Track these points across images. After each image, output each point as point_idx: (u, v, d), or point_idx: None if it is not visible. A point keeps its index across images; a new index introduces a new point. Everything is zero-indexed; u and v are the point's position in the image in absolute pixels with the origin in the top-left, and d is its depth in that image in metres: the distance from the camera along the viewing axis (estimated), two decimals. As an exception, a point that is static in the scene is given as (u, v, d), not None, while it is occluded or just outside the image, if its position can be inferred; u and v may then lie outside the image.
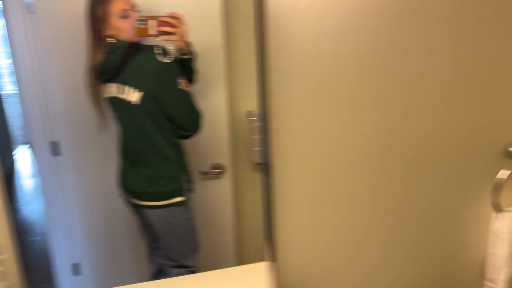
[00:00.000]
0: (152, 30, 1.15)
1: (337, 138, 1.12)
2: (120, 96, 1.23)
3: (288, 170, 1.10)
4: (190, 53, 1.22)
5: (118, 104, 1.25)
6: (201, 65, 1.30)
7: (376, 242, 1.23)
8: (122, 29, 1.17)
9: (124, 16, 1.17)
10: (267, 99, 1.02)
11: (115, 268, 1.50)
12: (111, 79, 1.23)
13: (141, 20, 1.14)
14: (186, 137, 1.29)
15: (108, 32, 1.19)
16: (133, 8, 1.18)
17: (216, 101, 1.38)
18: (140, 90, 1.21)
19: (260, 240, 1.60)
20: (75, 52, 1.34)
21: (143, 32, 1.15)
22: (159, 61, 1.18)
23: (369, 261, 1.24)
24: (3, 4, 1.43)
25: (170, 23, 1.15)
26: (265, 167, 1.05)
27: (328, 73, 1.05)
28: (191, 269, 1.39)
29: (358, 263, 1.24)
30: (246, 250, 1.55)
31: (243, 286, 1.22)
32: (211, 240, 1.54)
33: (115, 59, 1.19)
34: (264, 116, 1.02)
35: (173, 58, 1.21)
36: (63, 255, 1.61)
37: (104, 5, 1.16)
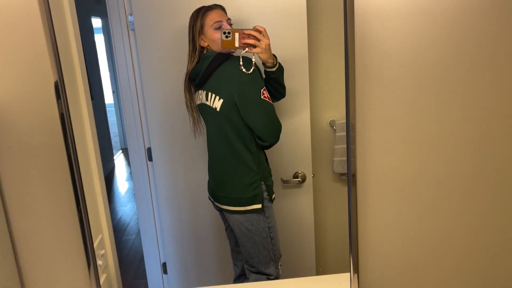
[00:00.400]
0: (237, 43, 1.20)
1: (425, 149, 1.07)
2: (207, 102, 1.31)
3: (372, 181, 1.07)
4: (274, 66, 1.24)
5: (205, 110, 1.32)
6: (286, 76, 1.32)
7: (461, 258, 1.16)
8: (215, 39, 1.24)
9: (218, 28, 1.24)
10: (353, 108, 1.01)
11: (199, 269, 1.57)
12: (200, 86, 1.31)
13: (226, 33, 1.19)
14: (264, 147, 1.32)
15: (203, 43, 1.28)
16: (227, 20, 1.25)
17: (300, 110, 1.39)
18: (222, 98, 1.27)
19: (340, 250, 1.57)
20: (168, 65, 1.45)
21: (228, 44, 1.20)
22: (242, 71, 1.23)
23: (452, 277, 1.17)
24: (110, 23, 1.60)
25: (254, 36, 1.18)
26: (349, 177, 1.03)
27: (417, 83, 1.02)
28: (270, 277, 1.41)
29: (442, 278, 1.17)
30: (326, 259, 1.53)
31: None
32: (292, 248, 1.55)
33: (203, 67, 1.27)
34: (350, 125, 1.01)
35: (255, 69, 1.23)
36: (154, 254, 1.72)
37: (201, 18, 1.25)
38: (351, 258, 1.06)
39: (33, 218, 0.88)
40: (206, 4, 1.25)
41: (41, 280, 0.97)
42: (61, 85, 0.71)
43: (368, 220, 1.11)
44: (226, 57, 1.27)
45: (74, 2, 0.92)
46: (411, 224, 1.13)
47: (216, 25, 1.24)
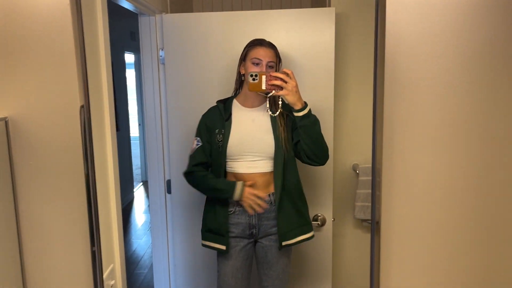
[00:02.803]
0: (263, 85, 1.18)
1: (448, 198, 1.03)
2: None
3: (396, 228, 1.03)
4: (302, 110, 1.17)
5: None
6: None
7: None
8: (248, 73, 1.22)
9: (256, 64, 1.24)
10: (379, 153, 0.98)
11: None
12: None
13: (254, 75, 1.17)
14: None
15: (242, 70, 1.28)
16: (268, 62, 1.23)
17: (322, 152, 1.38)
18: None
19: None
20: (193, 99, 1.46)
21: (256, 87, 1.19)
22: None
23: None
24: (141, 57, 1.65)
25: (281, 78, 1.16)
26: (373, 225, 0.99)
27: (443, 129, 0.99)
28: None
29: None
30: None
31: None
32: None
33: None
34: (376, 170, 0.98)
35: (280, 112, 1.21)
36: (164, 290, 1.68)
37: (248, 48, 1.26)
38: None
39: (45, 240, 0.87)
40: (256, 40, 1.27)
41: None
42: (86, 111, 0.72)
43: (392, 271, 1.05)
44: None
45: (108, 36, 0.95)
46: (437, 277, 1.07)
47: (255, 60, 1.24)
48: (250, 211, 1.24)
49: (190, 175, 1.30)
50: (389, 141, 1.00)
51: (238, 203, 1.26)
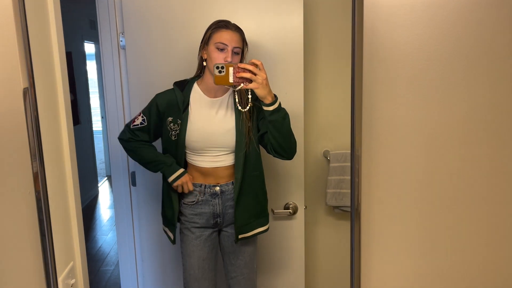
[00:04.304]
0: (231, 78, 1.08)
1: (429, 184, 1.02)
2: None
3: (375, 215, 1.01)
4: (272, 104, 1.10)
5: None
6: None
7: None
8: (211, 58, 1.15)
9: (220, 49, 1.15)
10: (358, 139, 0.96)
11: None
12: None
13: (220, 67, 1.07)
14: None
15: (204, 54, 1.19)
16: (233, 48, 1.14)
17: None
18: None
19: (330, 284, 1.49)
20: (156, 88, 1.39)
21: (222, 80, 1.07)
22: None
23: None
24: (100, 45, 1.55)
25: (249, 70, 1.07)
26: (352, 211, 0.96)
27: (426, 115, 0.98)
28: None
29: None
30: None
31: None
32: (282, 280, 1.46)
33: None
34: (355, 157, 0.95)
35: (250, 107, 1.15)
36: (132, 287, 1.62)
37: (212, 31, 1.17)
38: None
39: None
40: (220, 21, 1.17)
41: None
42: (31, 95, 0.64)
43: (373, 257, 1.04)
44: None
45: (60, 11, 0.87)
46: (418, 264, 1.07)
47: (220, 45, 1.14)
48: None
49: (127, 142, 1.25)
50: (368, 126, 0.98)
51: (201, 194, 1.24)
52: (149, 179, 1.45)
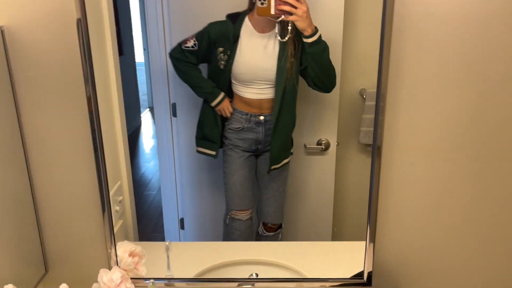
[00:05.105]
0: (273, 9, 1.14)
1: (453, 126, 1.03)
2: None
3: (397, 154, 1.04)
4: (311, 36, 1.17)
5: None
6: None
7: (481, 241, 1.13)
8: None
9: None
10: (385, 78, 0.97)
11: (215, 226, 1.58)
12: None
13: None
14: None
15: None
16: None
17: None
18: None
19: (358, 220, 1.55)
20: (199, 22, 1.41)
21: (264, 12, 1.15)
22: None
23: (467, 253, 1.15)
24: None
25: (289, 3, 1.12)
26: (374, 148, 1.00)
27: (451, 56, 0.96)
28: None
29: (459, 260, 1.15)
30: (344, 227, 1.52)
31: (340, 261, 1.23)
32: (311, 213, 1.54)
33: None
34: (380, 95, 0.97)
35: (289, 37, 1.19)
36: (173, 209, 1.75)
37: None
38: (368, 227, 1.04)
39: (50, 154, 0.89)
40: None
41: (56, 218, 0.99)
42: (83, 25, 0.70)
43: (390, 193, 1.08)
44: None
45: None
46: (433, 201, 1.10)
47: None
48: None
49: (178, 61, 1.33)
50: (395, 67, 0.99)
51: (246, 121, 1.35)
52: (189, 110, 1.51)
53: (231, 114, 1.34)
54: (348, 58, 1.39)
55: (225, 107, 1.33)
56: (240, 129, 1.36)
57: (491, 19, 0.95)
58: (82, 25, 0.70)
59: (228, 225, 1.43)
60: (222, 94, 1.32)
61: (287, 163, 1.39)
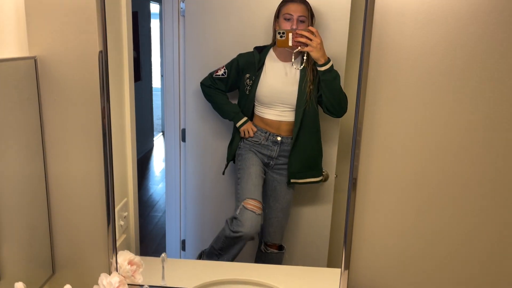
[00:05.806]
0: (290, 42, 1.31)
1: (425, 160, 1.08)
2: None
3: (371, 186, 1.11)
4: (324, 64, 1.30)
5: None
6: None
7: (455, 264, 1.16)
8: (280, 27, 1.36)
9: (287, 19, 1.35)
10: (361, 112, 1.05)
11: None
12: None
13: (281, 33, 1.31)
14: None
15: (276, 27, 1.38)
16: (299, 17, 1.33)
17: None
18: None
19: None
20: (212, 53, 1.51)
21: (283, 43, 1.33)
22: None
23: (441, 277, 1.18)
24: (163, 8, 1.68)
25: (305, 36, 1.28)
26: (350, 180, 1.07)
27: (426, 93, 1.04)
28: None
29: (428, 277, 1.18)
30: (340, 252, 1.55)
31: (316, 287, 1.27)
32: (306, 239, 1.57)
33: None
34: (357, 130, 1.05)
35: (304, 66, 1.35)
36: (175, 231, 1.80)
37: (281, 4, 1.36)
38: (343, 255, 1.09)
39: (65, 166, 0.98)
40: None
41: (66, 226, 1.07)
42: (104, 56, 0.79)
43: (366, 222, 1.14)
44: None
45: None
46: (406, 228, 1.15)
47: (287, 16, 1.34)
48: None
49: (208, 87, 1.48)
50: (371, 103, 1.06)
51: (265, 139, 1.47)
52: (198, 136, 1.59)
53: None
54: (348, 92, 1.46)
55: (249, 128, 1.45)
56: (257, 143, 1.47)
57: (471, 38, 1.01)
58: (103, 57, 0.80)
59: (237, 219, 1.47)
60: (245, 118, 1.45)
61: (314, 182, 1.46)
